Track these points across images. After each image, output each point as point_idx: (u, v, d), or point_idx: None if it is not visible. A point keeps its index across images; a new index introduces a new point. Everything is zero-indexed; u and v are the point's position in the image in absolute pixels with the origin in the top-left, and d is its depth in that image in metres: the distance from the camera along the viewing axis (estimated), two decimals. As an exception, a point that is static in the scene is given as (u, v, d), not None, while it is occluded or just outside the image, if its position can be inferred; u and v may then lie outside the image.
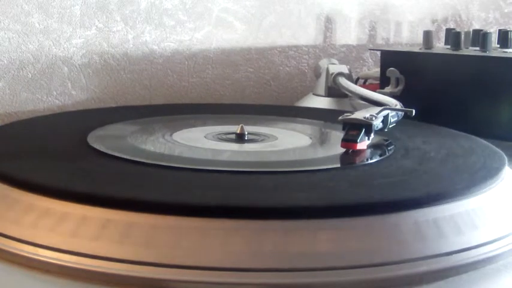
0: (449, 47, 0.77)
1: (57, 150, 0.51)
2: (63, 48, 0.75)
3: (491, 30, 0.76)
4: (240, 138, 0.56)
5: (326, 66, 0.81)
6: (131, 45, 0.80)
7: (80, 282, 0.34)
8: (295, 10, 0.92)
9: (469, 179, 0.44)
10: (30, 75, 0.74)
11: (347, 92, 0.78)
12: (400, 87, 0.74)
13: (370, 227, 0.37)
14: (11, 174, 0.43)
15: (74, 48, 0.76)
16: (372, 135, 0.52)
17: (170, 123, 0.63)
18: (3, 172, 0.43)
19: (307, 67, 0.93)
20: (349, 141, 0.50)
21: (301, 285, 0.34)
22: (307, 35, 0.93)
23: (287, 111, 0.75)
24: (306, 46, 0.93)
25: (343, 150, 0.50)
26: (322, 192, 0.41)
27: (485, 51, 0.72)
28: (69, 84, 0.76)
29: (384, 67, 0.77)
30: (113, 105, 0.79)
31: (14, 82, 0.73)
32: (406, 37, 1.03)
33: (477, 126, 0.66)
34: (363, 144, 0.50)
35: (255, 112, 0.70)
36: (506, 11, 1.13)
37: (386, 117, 0.55)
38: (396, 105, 0.62)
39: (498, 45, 0.74)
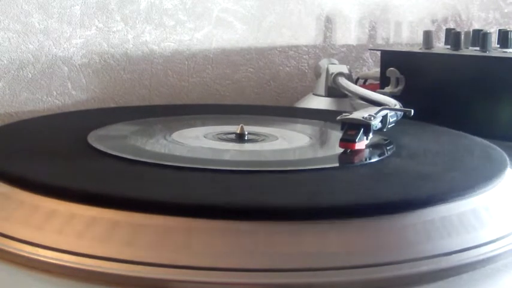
0: (449, 47, 0.77)
1: (57, 150, 0.51)
2: (63, 48, 0.75)
3: (491, 30, 0.76)
4: (240, 138, 0.56)
5: (326, 66, 0.81)
6: (131, 45, 0.80)
7: (80, 282, 0.34)
8: (295, 10, 0.92)
9: (470, 179, 0.44)
10: (30, 75, 0.74)
11: (347, 92, 0.78)
12: (400, 87, 0.74)
13: (370, 228, 0.37)
14: (11, 174, 0.43)
15: (74, 48, 0.76)
16: (371, 135, 0.52)
17: (170, 123, 0.63)
18: (3, 172, 0.43)
19: (307, 67, 0.93)
20: (347, 141, 0.50)
21: (301, 285, 0.34)
22: (307, 35, 0.93)
23: (287, 111, 0.75)
24: (306, 46, 0.93)
25: (342, 150, 0.50)
26: (321, 193, 0.41)
27: (485, 51, 0.72)
28: (69, 84, 0.76)
29: (383, 67, 0.77)
30: (113, 105, 0.79)
31: (14, 82, 0.73)
32: (406, 37, 1.03)
33: (477, 126, 0.66)
34: (361, 144, 0.50)
35: (255, 112, 0.70)
36: (506, 11, 1.13)
37: (385, 117, 0.55)
38: (395, 105, 0.62)
39: (498, 45, 0.74)
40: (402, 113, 0.58)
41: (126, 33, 0.79)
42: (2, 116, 0.72)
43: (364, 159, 0.50)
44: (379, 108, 0.56)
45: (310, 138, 0.58)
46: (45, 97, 0.75)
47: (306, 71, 0.94)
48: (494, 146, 0.54)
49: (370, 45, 0.99)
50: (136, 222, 0.36)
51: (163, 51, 0.82)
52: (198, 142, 0.55)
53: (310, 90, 0.85)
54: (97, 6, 0.77)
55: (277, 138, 0.57)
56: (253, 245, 0.35)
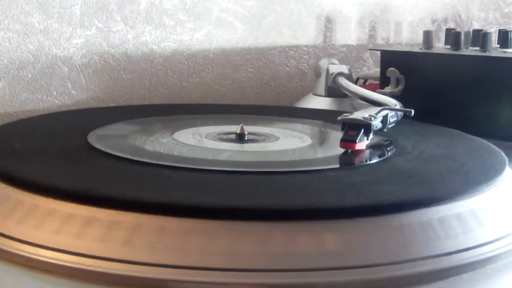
0: (449, 47, 0.77)
1: (57, 149, 0.51)
2: (63, 48, 0.75)
3: (491, 30, 0.76)
4: (240, 138, 0.56)
5: (326, 66, 0.81)
6: (131, 45, 0.80)
7: (80, 282, 0.34)
8: (295, 10, 0.92)
9: (469, 179, 0.44)
10: (30, 75, 0.74)
11: (347, 92, 0.78)
12: (400, 87, 0.74)
13: (370, 228, 0.37)
14: (11, 173, 0.43)
15: (74, 48, 0.76)
16: (371, 135, 0.52)
17: (170, 123, 0.63)
18: (4, 172, 0.43)
19: (307, 67, 0.93)
20: (348, 141, 0.50)
21: (301, 285, 0.34)
22: (307, 35, 0.93)
23: (287, 111, 0.75)
24: (306, 46, 0.93)
25: (342, 150, 0.50)
26: (322, 193, 0.41)
27: (485, 51, 0.72)
28: (69, 84, 0.76)
29: (383, 67, 0.77)
30: (113, 105, 0.79)
31: (14, 82, 0.73)
32: (406, 37, 1.03)
33: (477, 126, 0.66)
34: (361, 144, 0.50)
35: (255, 112, 0.70)
36: (506, 11, 1.13)
37: (385, 118, 0.55)
38: (396, 105, 0.62)
39: (498, 45, 0.74)
40: (402, 113, 0.58)
41: (126, 33, 0.79)
42: (2, 115, 0.72)
43: (364, 160, 0.50)
44: (379, 108, 0.56)
45: (311, 138, 0.58)
46: (45, 97, 0.75)
47: (306, 71, 0.94)
48: (494, 146, 0.54)
49: (370, 45, 0.99)
50: (136, 222, 0.36)
51: (163, 51, 0.82)
52: (198, 142, 0.55)
53: (310, 90, 0.85)
54: (97, 6, 0.77)
55: (277, 138, 0.57)
56: (253, 245, 0.35)
